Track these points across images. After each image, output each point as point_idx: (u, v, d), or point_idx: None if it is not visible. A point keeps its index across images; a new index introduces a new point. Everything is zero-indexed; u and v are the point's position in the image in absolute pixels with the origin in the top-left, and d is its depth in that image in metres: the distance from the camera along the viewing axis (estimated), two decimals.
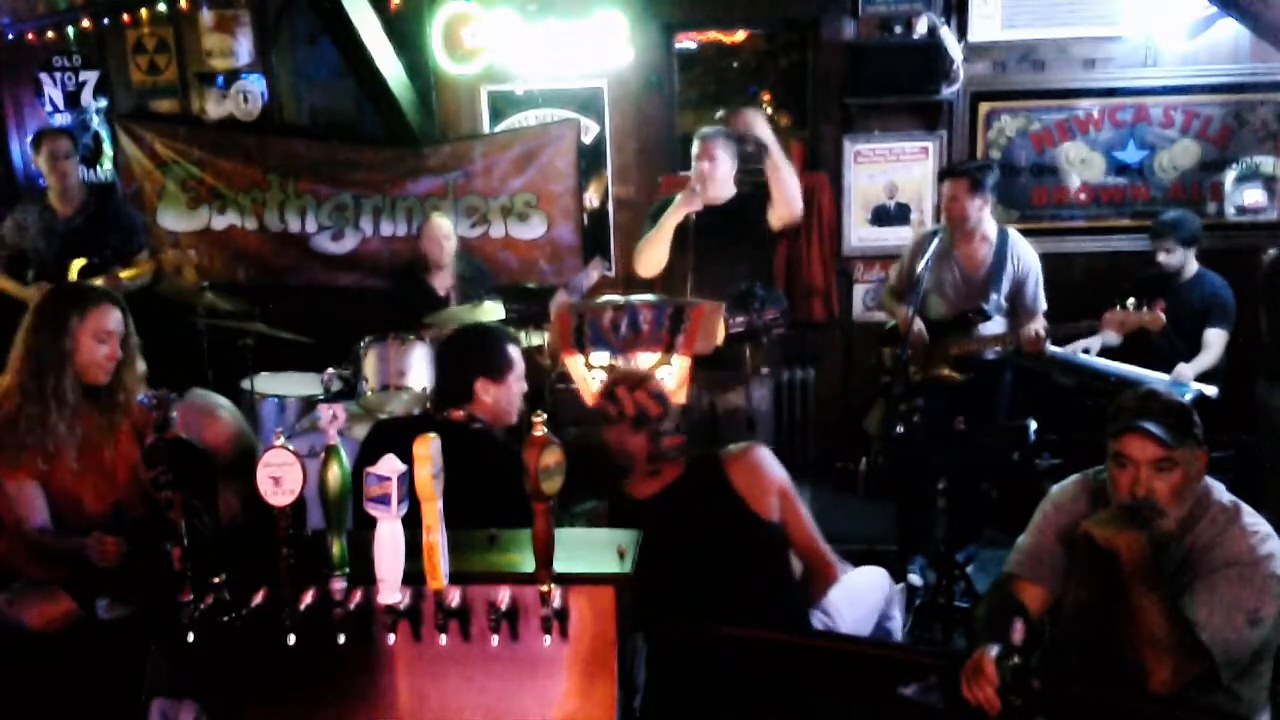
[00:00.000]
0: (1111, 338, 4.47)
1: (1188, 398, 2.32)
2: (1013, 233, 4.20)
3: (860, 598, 2.73)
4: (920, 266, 3.88)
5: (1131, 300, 3.84)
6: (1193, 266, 4.48)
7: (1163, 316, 3.77)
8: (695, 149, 4.03)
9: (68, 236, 4.64)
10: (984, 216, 4.10)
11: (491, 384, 2.61)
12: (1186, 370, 4.25)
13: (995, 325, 4.10)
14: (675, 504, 2.53)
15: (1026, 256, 4.12)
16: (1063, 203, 5.23)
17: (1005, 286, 4.09)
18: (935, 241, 3.94)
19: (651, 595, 2.51)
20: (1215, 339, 4.37)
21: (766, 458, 2.59)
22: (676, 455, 2.58)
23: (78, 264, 4.47)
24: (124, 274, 4.33)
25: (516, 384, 2.70)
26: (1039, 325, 3.98)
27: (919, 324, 4.05)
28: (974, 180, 4.03)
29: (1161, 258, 4.45)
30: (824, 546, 2.62)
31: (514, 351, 2.70)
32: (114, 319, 2.75)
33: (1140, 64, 5.06)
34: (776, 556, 2.56)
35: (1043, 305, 4.12)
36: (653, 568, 2.46)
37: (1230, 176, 5.12)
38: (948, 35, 5.00)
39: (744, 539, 2.50)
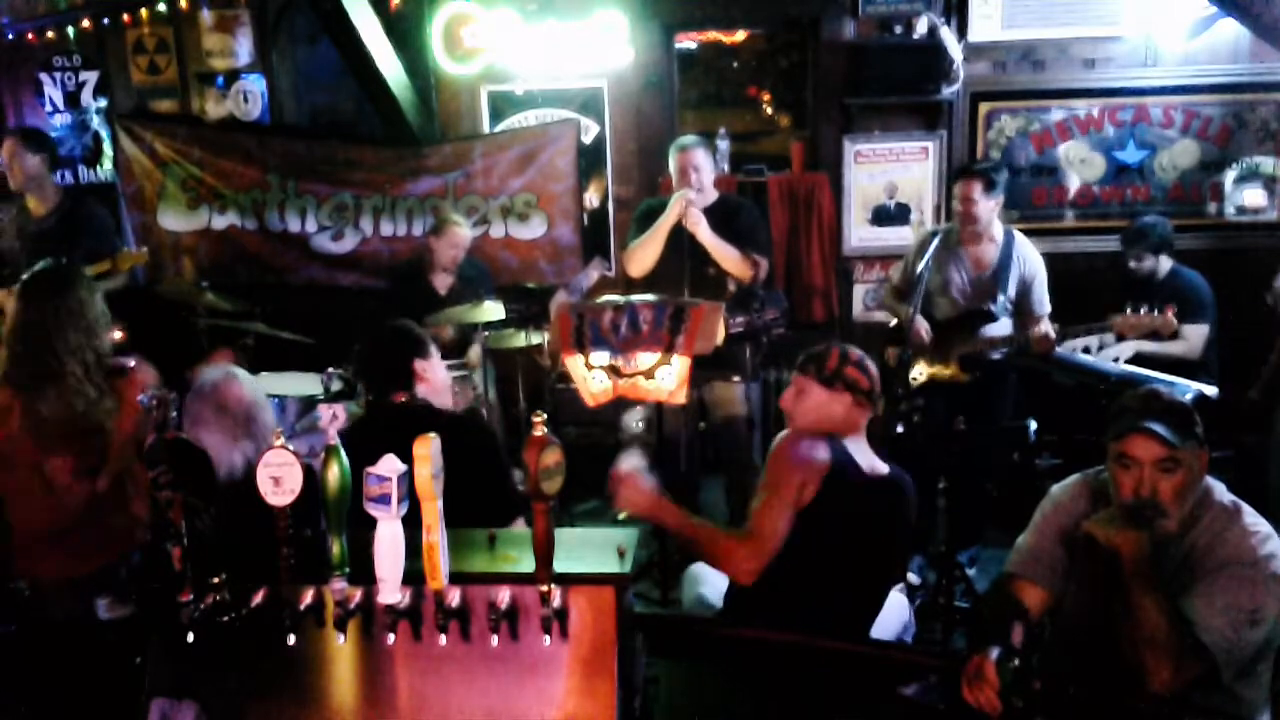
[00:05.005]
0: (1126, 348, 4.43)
1: (1188, 397, 2.32)
2: (1018, 234, 4.19)
3: (883, 623, 2.73)
4: (920, 266, 3.89)
5: (1144, 307, 3.77)
6: (1166, 265, 4.51)
7: (1174, 320, 3.75)
8: (675, 161, 4.19)
9: (39, 237, 4.59)
10: (994, 217, 4.10)
11: (424, 362, 2.82)
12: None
13: (1001, 326, 4.09)
14: (880, 503, 2.58)
15: (1033, 258, 4.12)
16: (1063, 203, 5.24)
17: (1012, 288, 4.09)
18: (935, 241, 3.95)
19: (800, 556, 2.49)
20: (1191, 334, 4.37)
21: None
22: None
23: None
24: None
25: (440, 364, 2.93)
26: (1048, 326, 3.95)
27: (924, 324, 4.05)
28: (988, 181, 4.03)
29: (1132, 264, 4.50)
30: None
31: (426, 336, 2.96)
32: None
33: (1140, 64, 5.06)
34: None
35: (1047, 307, 4.12)
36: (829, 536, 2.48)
37: (1230, 177, 5.12)
38: (948, 35, 4.99)
39: (885, 567, 2.67)
